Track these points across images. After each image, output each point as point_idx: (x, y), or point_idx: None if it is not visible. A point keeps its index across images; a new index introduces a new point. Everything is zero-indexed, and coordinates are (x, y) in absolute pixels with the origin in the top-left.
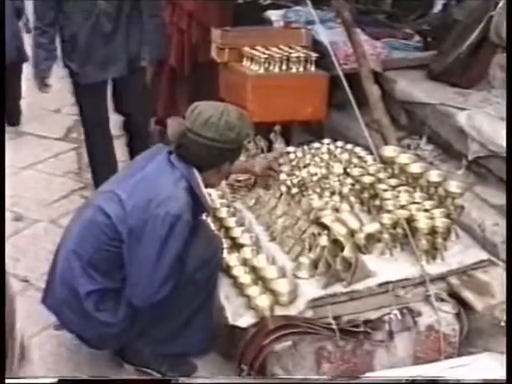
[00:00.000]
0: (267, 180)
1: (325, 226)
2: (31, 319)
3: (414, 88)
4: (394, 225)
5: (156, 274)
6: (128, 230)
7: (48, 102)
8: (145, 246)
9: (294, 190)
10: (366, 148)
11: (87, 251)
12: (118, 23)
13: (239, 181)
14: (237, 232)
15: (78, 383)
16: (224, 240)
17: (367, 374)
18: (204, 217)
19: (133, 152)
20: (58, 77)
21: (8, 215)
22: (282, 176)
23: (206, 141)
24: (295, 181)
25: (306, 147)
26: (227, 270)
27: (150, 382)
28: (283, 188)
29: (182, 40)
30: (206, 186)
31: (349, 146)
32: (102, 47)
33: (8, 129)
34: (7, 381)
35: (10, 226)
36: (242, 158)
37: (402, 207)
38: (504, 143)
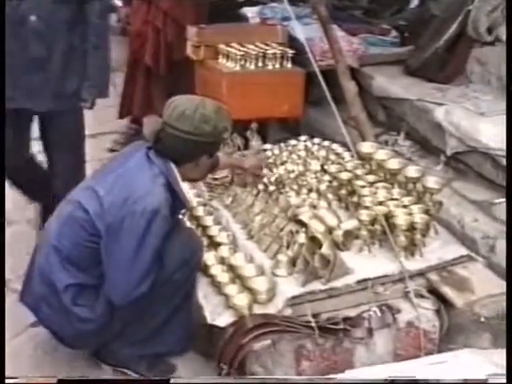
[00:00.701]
0: (256, 179)
1: (302, 224)
2: (7, 321)
3: (391, 84)
4: (372, 221)
5: (134, 271)
6: (106, 226)
7: None
8: (122, 243)
9: (272, 188)
10: (344, 145)
11: (66, 247)
12: (53, 49)
13: (216, 179)
14: (214, 231)
15: (77, 383)
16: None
17: (347, 372)
18: (181, 215)
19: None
20: None
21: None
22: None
23: (181, 134)
24: (272, 178)
25: (282, 144)
26: (205, 269)
27: (150, 381)
28: (260, 186)
29: (157, 39)
30: (186, 180)
31: (326, 143)
32: (32, 73)
33: None
34: (7, 381)
35: None
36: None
37: (380, 203)
38: (483, 138)
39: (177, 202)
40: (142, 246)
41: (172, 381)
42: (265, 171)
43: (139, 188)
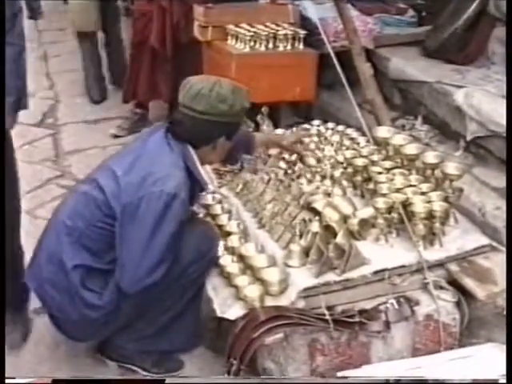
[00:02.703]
0: (296, 153)
1: (316, 212)
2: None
3: (408, 66)
4: (389, 209)
5: (147, 256)
6: (122, 206)
7: None
8: (137, 225)
9: (283, 174)
10: (358, 129)
11: (79, 226)
12: None
13: (225, 165)
14: (223, 219)
15: (72, 383)
16: None
17: (363, 367)
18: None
19: None
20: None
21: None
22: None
23: (197, 114)
24: (284, 165)
25: (294, 129)
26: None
27: (143, 381)
28: (272, 173)
29: (163, 19)
30: (204, 164)
31: (340, 128)
32: None
33: None
34: (7, 381)
35: None
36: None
37: (398, 191)
38: (504, 122)
39: (195, 185)
40: (157, 230)
41: (167, 380)
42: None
43: (158, 170)
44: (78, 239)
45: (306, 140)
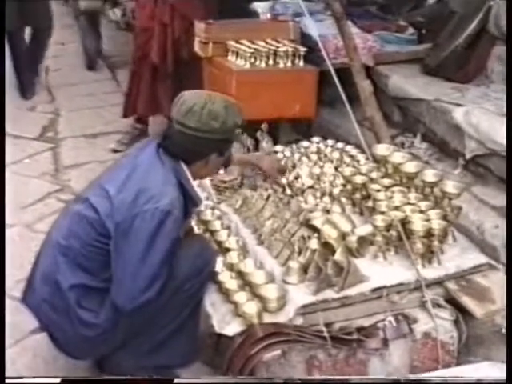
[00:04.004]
0: (273, 181)
1: (315, 229)
2: (6, 329)
3: (407, 83)
4: (388, 227)
5: (142, 273)
6: (115, 225)
7: (22, 99)
8: (131, 243)
9: (286, 192)
10: (358, 146)
11: (74, 246)
12: None
13: (225, 181)
14: (223, 235)
15: (80, 383)
16: None
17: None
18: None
19: None
20: None
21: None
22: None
23: (189, 130)
24: (284, 181)
25: (294, 146)
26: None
27: (150, 381)
28: (270, 190)
29: (164, 35)
30: (195, 179)
31: (339, 145)
32: None
33: None
34: (7, 381)
35: None
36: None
37: (396, 208)
38: (504, 141)
39: (189, 201)
40: (151, 247)
41: (176, 381)
42: (284, 170)
43: (151, 187)
44: (73, 259)
45: (283, 166)
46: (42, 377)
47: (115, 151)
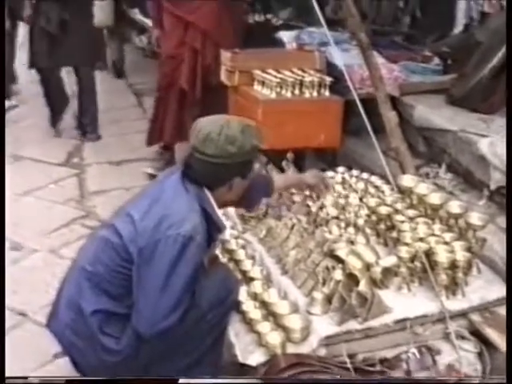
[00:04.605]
0: (320, 193)
1: (339, 260)
2: (28, 355)
3: (433, 114)
4: (412, 258)
5: (164, 299)
6: (138, 250)
7: (48, 125)
8: (153, 268)
9: (307, 222)
10: (383, 177)
11: (99, 271)
12: None
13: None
14: (247, 265)
15: (83, 383)
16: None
17: None
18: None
19: None
20: None
21: (6, 244)
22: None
23: (207, 158)
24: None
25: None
26: (237, 305)
27: (150, 381)
28: (295, 219)
29: (194, 61)
30: (222, 205)
31: (365, 175)
32: None
33: (6, 152)
34: (7, 381)
35: (7, 256)
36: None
37: (421, 240)
38: None
39: (212, 227)
40: (173, 273)
41: (181, 381)
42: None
43: (174, 213)
44: (97, 284)
45: (328, 181)
46: (47, 377)
47: (152, 176)
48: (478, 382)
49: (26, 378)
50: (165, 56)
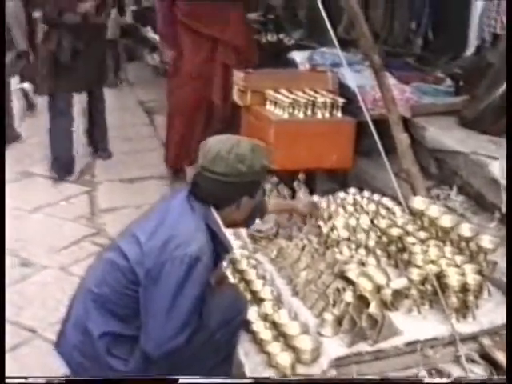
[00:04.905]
0: (311, 218)
1: (350, 281)
2: (37, 372)
3: (444, 136)
4: (423, 281)
5: (171, 319)
6: (145, 271)
7: None
8: (160, 289)
9: (318, 242)
10: (394, 198)
11: (105, 293)
12: None
13: (260, 231)
14: (257, 285)
15: (82, 383)
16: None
17: None
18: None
19: None
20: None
21: (15, 260)
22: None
23: (217, 176)
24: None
25: (330, 197)
26: (247, 325)
27: (151, 381)
28: (305, 240)
29: (226, 78)
30: (229, 225)
31: (376, 197)
32: None
33: (16, 169)
34: (7, 381)
35: (16, 272)
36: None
37: (432, 262)
38: None
39: (219, 247)
40: (180, 294)
41: (181, 381)
42: (319, 207)
43: (180, 233)
44: (104, 305)
45: (320, 210)
46: (46, 377)
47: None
48: (478, 382)
49: (26, 378)
50: (188, 75)
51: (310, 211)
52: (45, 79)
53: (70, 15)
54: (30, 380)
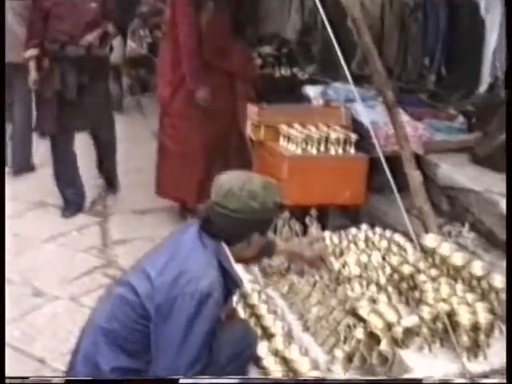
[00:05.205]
0: (316, 269)
1: (361, 318)
2: None
3: (457, 173)
4: (434, 319)
5: (182, 355)
6: (156, 307)
7: None
8: (171, 325)
9: (329, 279)
10: (405, 234)
11: (115, 328)
12: None
13: (272, 266)
14: (268, 320)
15: (82, 383)
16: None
17: None
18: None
19: None
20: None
21: (26, 290)
22: None
23: (229, 212)
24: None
25: (342, 233)
26: (257, 361)
27: (151, 382)
28: (317, 276)
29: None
30: (240, 261)
31: (387, 234)
32: None
33: (28, 199)
34: (7, 381)
35: (27, 302)
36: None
37: (443, 300)
38: None
39: (229, 282)
40: (191, 329)
41: (181, 381)
42: (328, 259)
43: (191, 269)
44: (114, 340)
45: (327, 254)
46: (46, 377)
47: None
48: (478, 382)
49: (26, 378)
50: (213, 111)
51: (315, 264)
52: (46, 120)
53: (72, 48)
54: (29, 380)
